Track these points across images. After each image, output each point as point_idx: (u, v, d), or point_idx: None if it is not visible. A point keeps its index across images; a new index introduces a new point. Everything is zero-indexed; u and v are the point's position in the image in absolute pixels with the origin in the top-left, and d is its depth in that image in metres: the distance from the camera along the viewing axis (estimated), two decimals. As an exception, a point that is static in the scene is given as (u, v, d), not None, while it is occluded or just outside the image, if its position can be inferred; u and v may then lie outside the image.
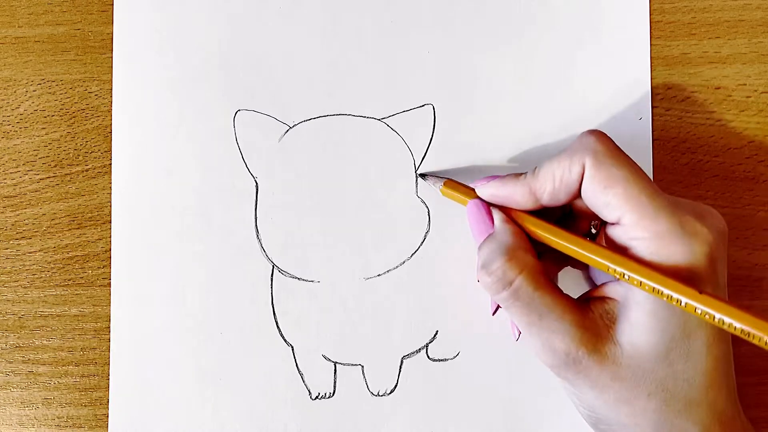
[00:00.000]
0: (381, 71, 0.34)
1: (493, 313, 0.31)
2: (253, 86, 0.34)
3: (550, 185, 0.28)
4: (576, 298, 0.29)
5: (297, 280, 0.34)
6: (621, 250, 0.27)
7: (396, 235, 0.34)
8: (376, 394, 0.33)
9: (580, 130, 0.33)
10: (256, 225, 0.34)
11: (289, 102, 0.34)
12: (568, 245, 0.28)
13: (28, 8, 0.35)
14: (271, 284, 0.34)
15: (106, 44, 0.35)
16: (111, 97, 0.35)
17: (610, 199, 0.26)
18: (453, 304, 0.33)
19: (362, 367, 0.34)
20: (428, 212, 0.34)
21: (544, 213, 0.30)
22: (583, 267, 0.32)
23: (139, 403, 0.33)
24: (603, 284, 0.29)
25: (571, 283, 0.32)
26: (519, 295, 0.27)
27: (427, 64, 0.34)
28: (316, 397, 0.33)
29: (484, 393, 0.33)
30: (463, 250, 0.33)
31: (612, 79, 0.34)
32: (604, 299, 0.28)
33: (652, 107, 0.34)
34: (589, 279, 0.32)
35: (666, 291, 0.25)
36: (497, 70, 0.34)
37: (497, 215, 0.30)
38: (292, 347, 0.34)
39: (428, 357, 0.33)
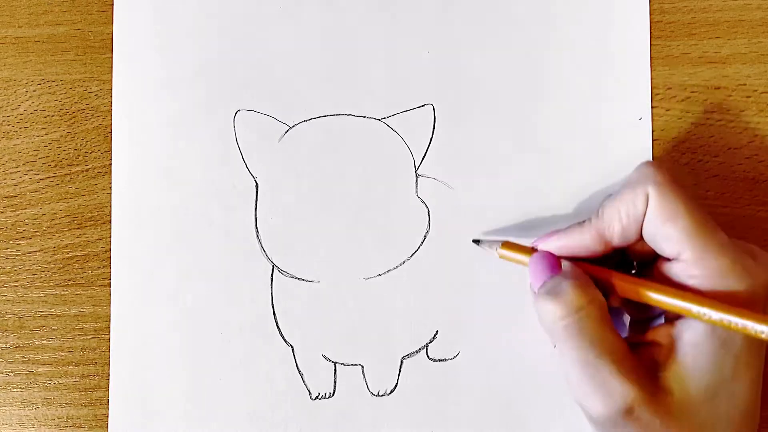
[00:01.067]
0: (381, 71, 0.34)
1: None
2: (253, 86, 0.34)
3: (617, 224, 0.27)
4: None
5: (297, 280, 0.34)
6: (678, 287, 0.26)
7: (396, 234, 0.34)
8: (376, 394, 0.33)
9: (580, 130, 0.34)
10: (256, 225, 0.34)
11: (289, 102, 0.34)
12: (648, 292, 0.27)
13: (28, 8, 0.35)
14: (271, 284, 0.34)
15: (106, 44, 0.35)
16: (111, 97, 0.35)
17: (671, 232, 0.26)
18: (453, 304, 0.33)
19: (362, 367, 0.34)
20: (428, 212, 0.34)
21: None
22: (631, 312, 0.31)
23: (139, 403, 0.33)
24: (649, 329, 0.28)
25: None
26: (582, 327, 0.26)
27: (427, 64, 0.34)
28: (316, 397, 0.33)
29: (484, 393, 0.33)
30: (463, 250, 0.33)
31: (612, 79, 0.34)
32: (651, 344, 0.28)
33: (652, 107, 0.34)
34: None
35: (758, 327, 0.24)
36: (497, 70, 0.34)
37: (564, 262, 0.29)
38: (292, 347, 0.34)
39: (428, 357, 0.33)
